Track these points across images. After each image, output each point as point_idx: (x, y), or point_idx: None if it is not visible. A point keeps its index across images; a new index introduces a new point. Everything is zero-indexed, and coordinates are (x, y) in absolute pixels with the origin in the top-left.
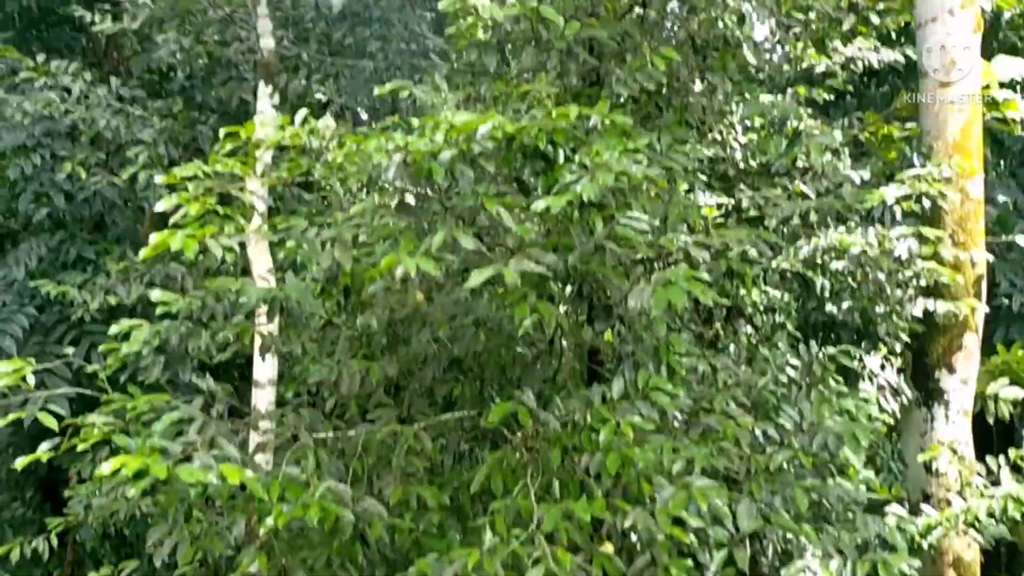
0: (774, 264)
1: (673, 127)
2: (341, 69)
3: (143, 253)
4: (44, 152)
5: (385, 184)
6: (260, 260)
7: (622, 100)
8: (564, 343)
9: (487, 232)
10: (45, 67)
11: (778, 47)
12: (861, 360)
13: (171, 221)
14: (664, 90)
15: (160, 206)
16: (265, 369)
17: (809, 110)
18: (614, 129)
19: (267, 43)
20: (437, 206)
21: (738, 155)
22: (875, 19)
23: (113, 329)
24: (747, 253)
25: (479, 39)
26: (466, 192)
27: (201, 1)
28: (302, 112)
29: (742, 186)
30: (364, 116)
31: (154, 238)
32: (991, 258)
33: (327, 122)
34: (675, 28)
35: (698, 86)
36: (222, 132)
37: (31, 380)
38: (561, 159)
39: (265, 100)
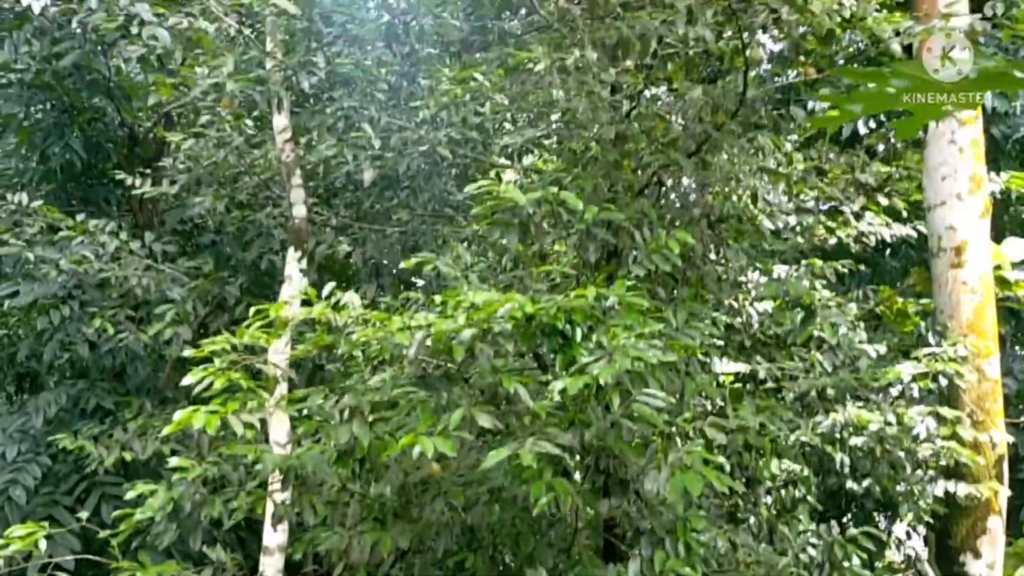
0: (792, 438)
1: (689, 301)
2: (368, 234)
3: (166, 430)
4: (73, 304)
5: (406, 358)
6: (279, 429)
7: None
8: (579, 515)
9: (505, 405)
10: (84, 225)
11: (791, 221)
12: (887, 529)
13: (195, 385)
14: (680, 263)
15: (188, 379)
16: (275, 536)
17: (823, 281)
18: (631, 308)
19: (299, 211)
20: (456, 381)
21: (754, 324)
22: (884, 200)
23: (129, 494)
24: (765, 427)
25: (502, 220)
26: (485, 369)
27: (238, 167)
28: (329, 286)
29: (758, 357)
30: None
31: (178, 415)
32: (1011, 439)
33: (352, 298)
34: (690, 204)
35: (713, 257)
36: (251, 311)
37: (43, 545)
38: (579, 337)
39: (293, 264)
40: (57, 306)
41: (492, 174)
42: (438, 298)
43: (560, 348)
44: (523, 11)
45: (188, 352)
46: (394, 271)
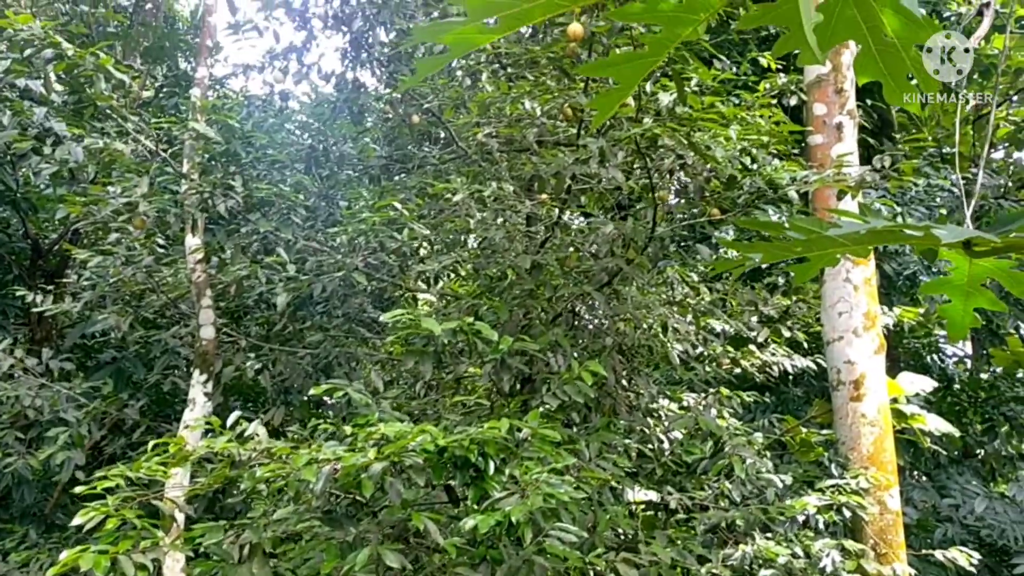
0: (704, 571)
1: (603, 429)
2: (279, 355)
3: (50, 572)
4: None
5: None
6: (174, 569)
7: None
8: None
9: (414, 539)
10: None
11: (700, 350)
12: None
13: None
14: (591, 394)
15: (77, 520)
16: None
17: (730, 410)
18: (544, 440)
19: (207, 332)
20: (364, 515)
21: (666, 452)
22: (786, 332)
23: None
24: (676, 561)
25: (416, 349)
26: (394, 504)
27: (146, 284)
28: (234, 415)
29: (669, 487)
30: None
31: (64, 554)
32: (913, 572)
33: (258, 428)
34: (603, 333)
35: (625, 384)
36: (151, 444)
37: None
38: (491, 470)
39: (198, 388)
40: None
41: (409, 298)
42: (348, 428)
43: (472, 481)
44: (442, 141)
45: (79, 488)
46: (304, 394)
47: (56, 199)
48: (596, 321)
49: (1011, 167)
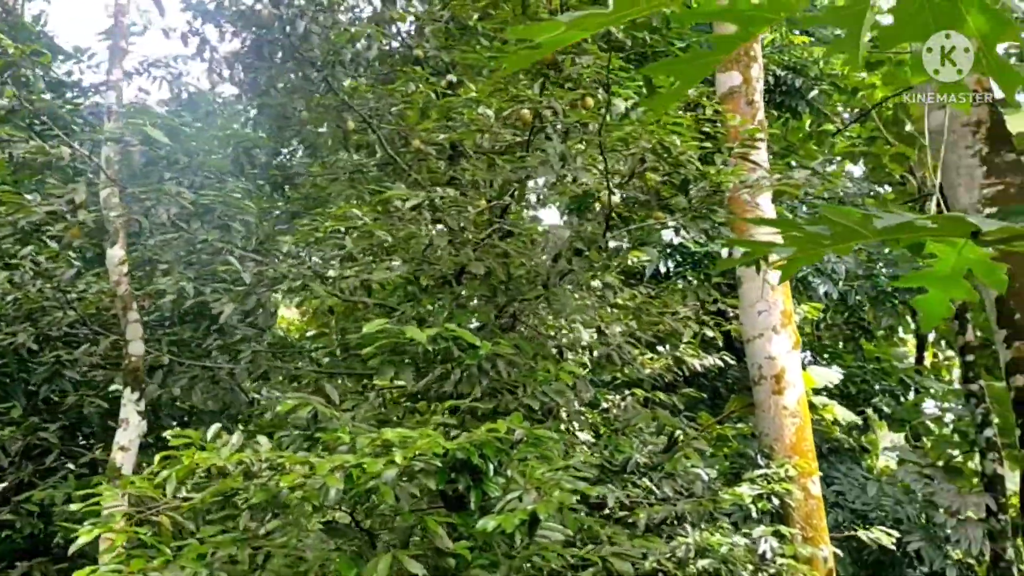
0: (647, 564)
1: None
2: (203, 373)
3: None
4: None
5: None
6: None
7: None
8: None
9: (422, 543)
10: None
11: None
12: None
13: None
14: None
15: (81, 540)
16: None
17: (646, 409)
18: (539, 441)
19: (136, 348)
20: (374, 525)
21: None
22: (709, 332)
23: None
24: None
25: (392, 359)
26: (405, 511)
27: (55, 301)
28: (215, 427)
29: (610, 485)
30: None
31: None
32: (838, 551)
33: (263, 441)
34: (544, 337)
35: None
36: (156, 458)
37: None
38: (491, 472)
39: (131, 407)
40: None
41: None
42: (322, 435)
43: (473, 483)
44: (378, 154)
45: (74, 507)
46: (235, 409)
47: None
48: (532, 323)
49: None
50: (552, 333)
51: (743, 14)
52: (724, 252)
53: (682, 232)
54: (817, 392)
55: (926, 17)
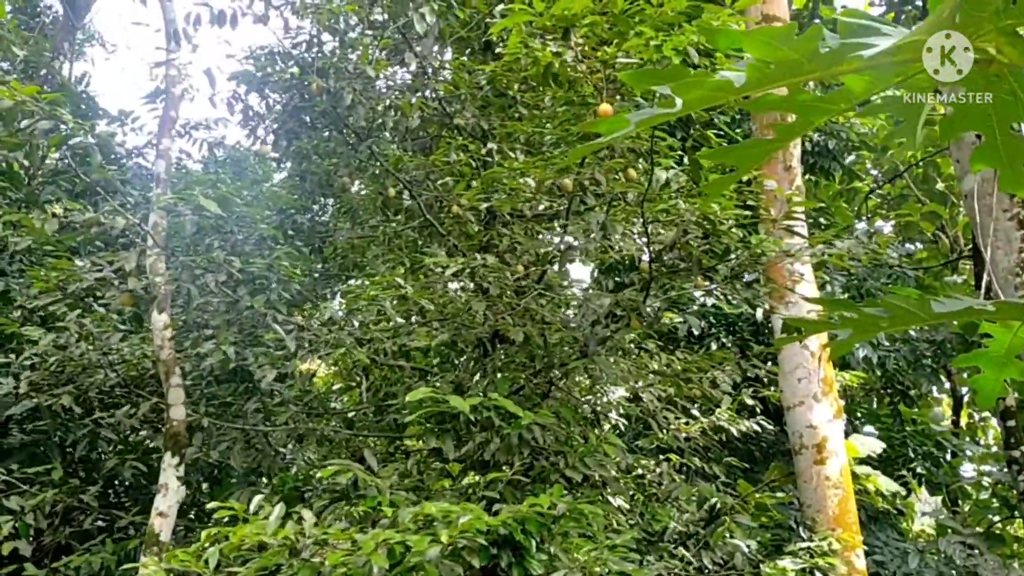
0: None
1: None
2: (240, 435)
3: None
4: None
5: None
6: None
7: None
8: None
9: None
10: None
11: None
12: None
13: None
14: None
15: None
16: None
17: (681, 475)
18: (581, 516)
19: (178, 413)
20: None
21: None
22: (749, 400)
23: None
24: None
25: (435, 427)
26: None
27: (98, 363)
28: (256, 499)
29: (649, 557)
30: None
31: None
32: None
33: (307, 516)
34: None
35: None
36: (203, 535)
37: None
38: (533, 548)
39: (170, 472)
40: None
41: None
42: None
43: (515, 560)
44: (416, 219)
45: None
46: (271, 474)
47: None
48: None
49: None
50: (587, 396)
51: (804, 104)
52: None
53: (715, 292)
54: (860, 461)
55: (987, 108)
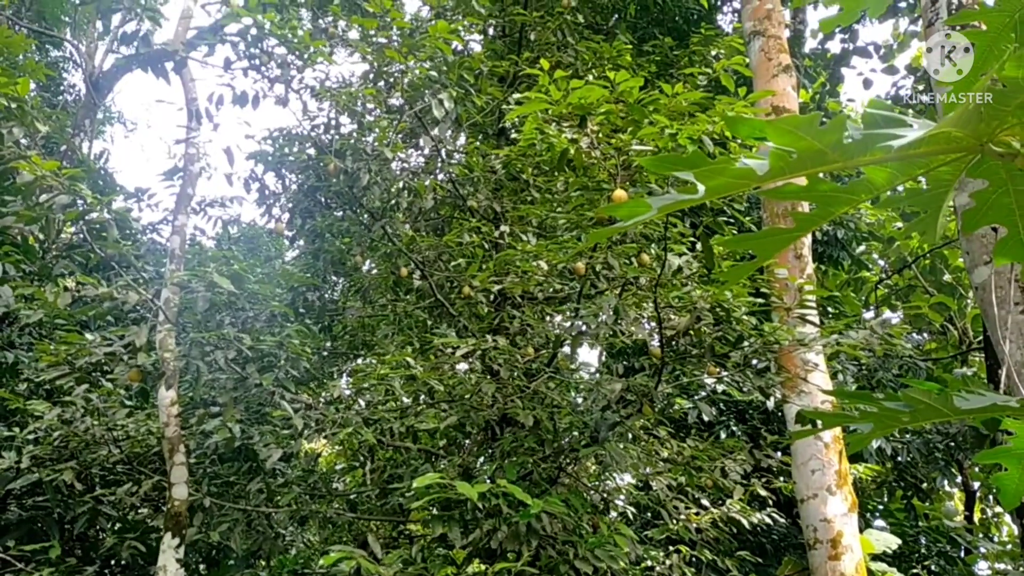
0: None
1: None
2: (242, 517)
3: None
4: None
5: None
6: None
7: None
8: None
9: None
10: None
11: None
12: None
13: None
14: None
15: None
16: None
17: (692, 568)
18: None
19: (180, 492)
20: None
21: None
22: (763, 491)
23: None
24: None
25: (443, 515)
26: None
27: (101, 439)
28: None
29: None
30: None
31: None
32: None
33: None
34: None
35: None
36: None
37: None
38: None
39: (170, 554)
40: None
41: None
42: None
43: None
44: (427, 299)
45: None
46: (270, 556)
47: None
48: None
49: None
50: (595, 483)
51: (825, 194)
52: (771, 402)
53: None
54: (874, 557)
55: (1009, 201)
